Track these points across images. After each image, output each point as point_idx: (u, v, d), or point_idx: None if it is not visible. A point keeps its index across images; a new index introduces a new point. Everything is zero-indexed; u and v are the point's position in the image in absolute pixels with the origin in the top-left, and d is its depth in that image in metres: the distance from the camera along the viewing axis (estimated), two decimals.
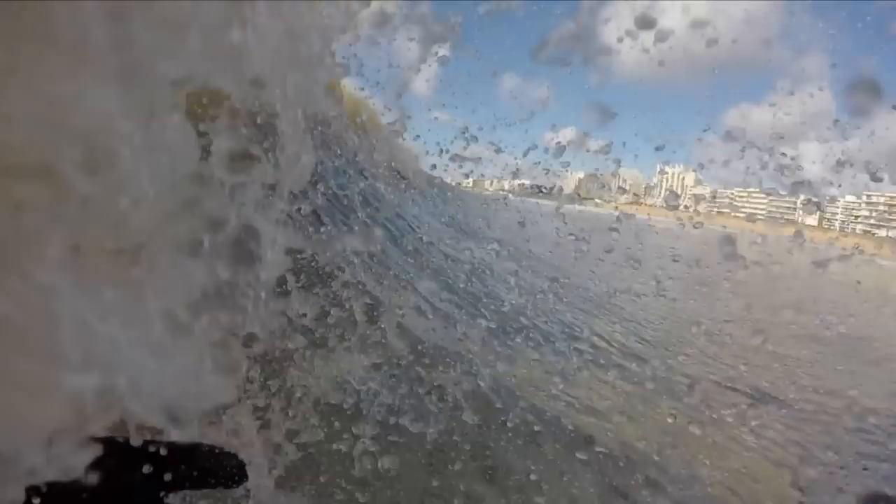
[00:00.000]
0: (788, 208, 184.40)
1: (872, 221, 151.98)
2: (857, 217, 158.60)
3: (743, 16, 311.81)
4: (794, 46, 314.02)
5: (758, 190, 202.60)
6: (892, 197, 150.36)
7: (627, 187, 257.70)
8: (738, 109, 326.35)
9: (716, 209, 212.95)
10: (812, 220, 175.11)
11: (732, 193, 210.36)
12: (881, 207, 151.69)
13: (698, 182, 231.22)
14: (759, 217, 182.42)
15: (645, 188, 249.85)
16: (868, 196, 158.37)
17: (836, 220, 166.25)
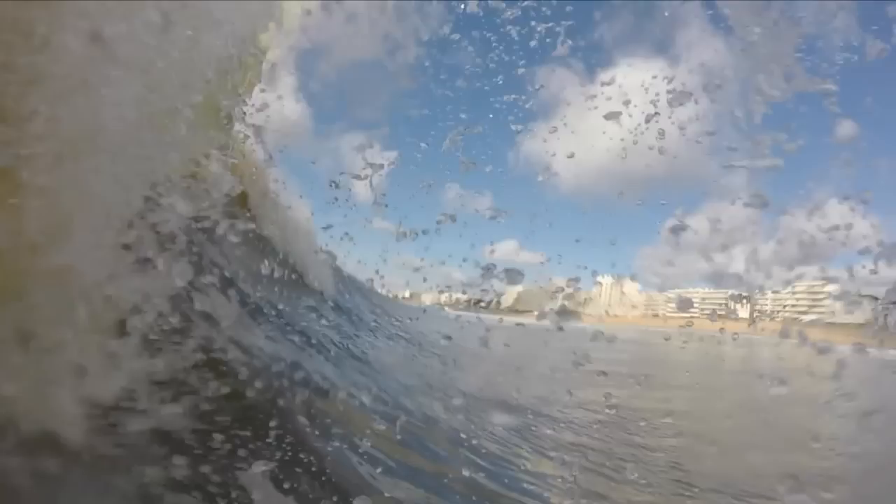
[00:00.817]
0: (720, 304, 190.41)
1: (799, 308, 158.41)
2: (784, 306, 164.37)
3: (676, 134, 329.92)
4: (720, 161, 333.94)
5: (690, 290, 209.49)
6: (811, 286, 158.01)
7: (567, 300, 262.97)
8: (672, 220, 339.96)
9: (651, 312, 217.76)
10: (744, 313, 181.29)
11: (667, 297, 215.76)
12: (802, 296, 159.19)
13: (634, 289, 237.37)
14: (693, 315, 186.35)
15: (584, 300, 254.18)
16: (792, 286, 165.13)
17: (768, 308, 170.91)
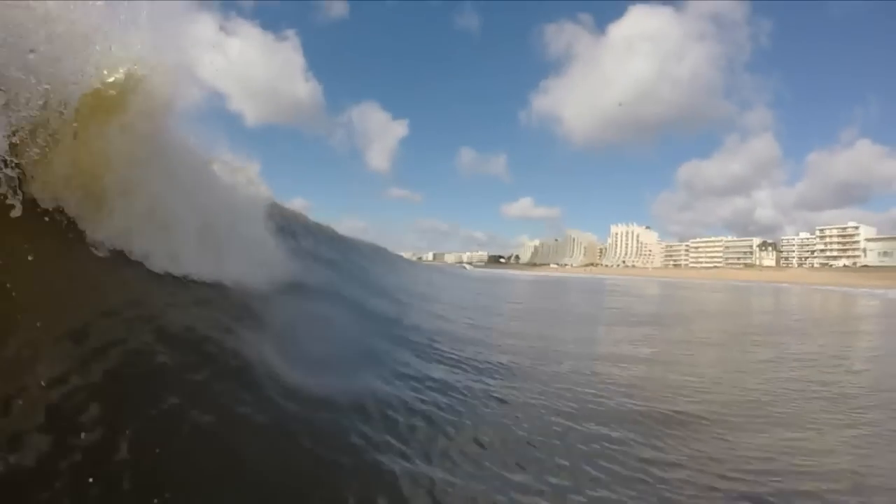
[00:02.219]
0: (745, 252, 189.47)
1: (829, 254, 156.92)
2: (812, 252, 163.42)
3: (688, 76, 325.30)
4: (738, 101, 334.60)
5: (713, 239, 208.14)
6: (843, 228, 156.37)
7: (583, 251, 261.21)
8: (689, 165, 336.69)
9: (672, 263, 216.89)
10: (770, 261, 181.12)
11: (688, 246, 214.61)
12: (835, 240, 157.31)
13: (652, 238, 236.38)
14: (717, 265, 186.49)
15: (600, 250, 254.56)
16: (821, 230, 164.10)
17: (794, 256, 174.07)
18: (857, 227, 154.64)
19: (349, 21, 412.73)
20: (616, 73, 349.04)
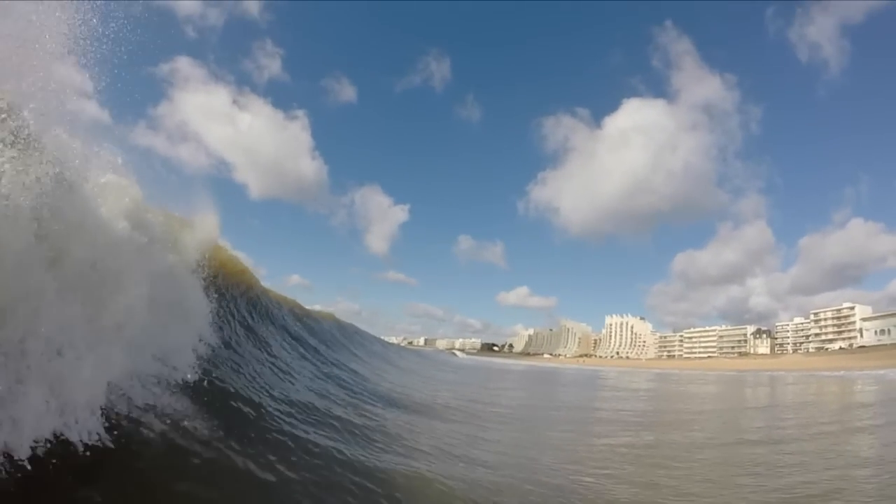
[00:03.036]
0: (739, 341, 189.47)
1: (824, 337, 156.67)
2: (807, 336, 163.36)
3: (681, 168, 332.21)
4: (731, 189, 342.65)
5: (707, 329, 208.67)
6: (837, 310, 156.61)
7: (577, 341, 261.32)
8: (683, 256, 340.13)
9: (665, 354, 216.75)
10: (764, 349, 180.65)
11: (682, 336, 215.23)
12: (829, 322, 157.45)
13: (647, 329, 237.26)
14: (712, 354, 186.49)
15: (595, 341, 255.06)
16: (815, 314, 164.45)
17: (788, 343, 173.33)
18: (852, 308, 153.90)
19: (357, 106, 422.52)
20: (612, 164, 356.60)
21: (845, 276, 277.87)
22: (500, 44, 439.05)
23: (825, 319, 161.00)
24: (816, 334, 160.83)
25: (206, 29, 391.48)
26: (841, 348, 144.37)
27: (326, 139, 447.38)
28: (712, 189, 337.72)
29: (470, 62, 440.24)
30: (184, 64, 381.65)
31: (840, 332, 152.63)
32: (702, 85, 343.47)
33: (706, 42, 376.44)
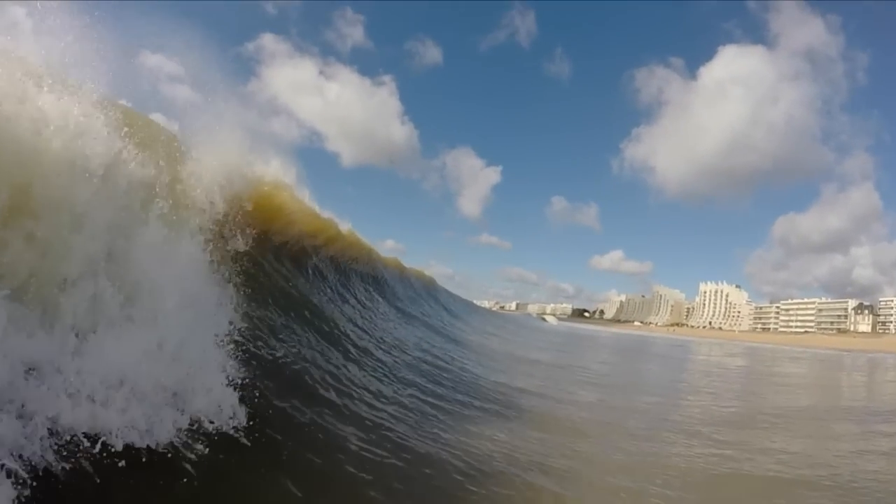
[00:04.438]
0: (839, 316, 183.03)
1: None
2: None
3: (782, 122, 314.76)
4: (836, 147, 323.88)
5: (805, 301, 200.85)
6: None
7: (669, 309, 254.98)
8: (784, 219, 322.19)
9: (760, 326, 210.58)
10: (865, 326, 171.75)
11: (778, 308, 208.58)
12: None
13: (742, 299, 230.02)
14: (808, 329, 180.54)
15: (687, 309, 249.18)
16: None
17: (892, 321, 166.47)
18: None
19: (443, 67, 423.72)
20: (708, 119, 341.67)
21: None
22: None
23: None
24: None
25: (286, 5, 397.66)
26: None
27: (415, 103, 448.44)
28: (816, 146, 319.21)
29: (555, 15, 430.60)
30: (268, 41, 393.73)
31: None
32: (803, 29, 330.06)
33: None
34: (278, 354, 7.61)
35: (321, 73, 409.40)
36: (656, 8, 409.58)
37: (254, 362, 6.59)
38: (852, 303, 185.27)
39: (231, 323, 6.18)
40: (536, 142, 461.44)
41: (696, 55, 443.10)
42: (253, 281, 8.81)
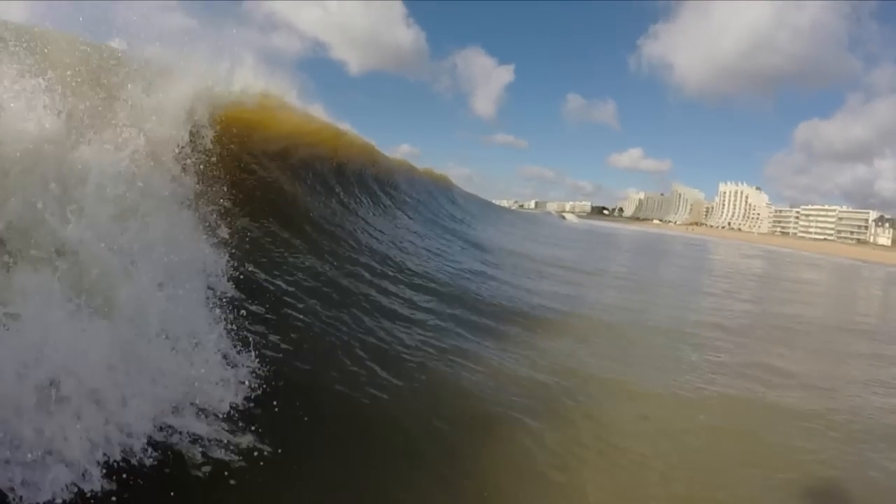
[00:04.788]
0: (859, 227, 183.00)
1: None
2: None
3: (808, 26, 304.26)
4: (864, 56, 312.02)
5: (826, 208, 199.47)
6: None
7: (689, 208, 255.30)
8: (807, 125, 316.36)
9: (779, 230, 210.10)
10: (885, 239, 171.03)
11: (798, 213, 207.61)
12: None
13: (762, 201, 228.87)
14: (828, 237, 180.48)
15: (706, 209, 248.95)
16: None
17: None
18: None
19: None
20: (730, 18, 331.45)
21: None
22: None
23: None
24: None
25: None
26: None
27: (420, 4, 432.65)
28: (843, 53, 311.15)
29: None
30: None
31: None
32: None
33: None
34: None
35: None
36: None
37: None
38: (873, 214, 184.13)
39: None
40: (550, 39, 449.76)
41: None
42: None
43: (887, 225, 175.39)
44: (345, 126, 17.27)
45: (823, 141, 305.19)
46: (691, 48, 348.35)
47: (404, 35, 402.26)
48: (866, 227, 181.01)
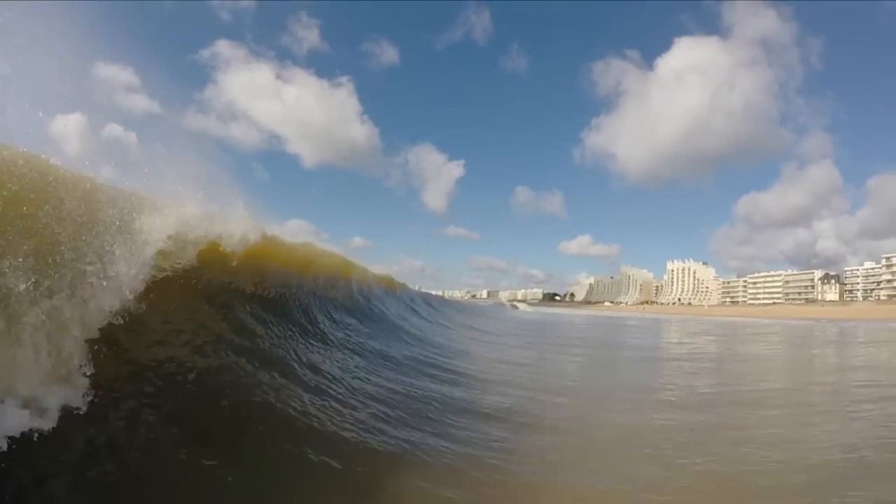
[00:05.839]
0: (806, 287, 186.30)
1: None
2: (878, 283, 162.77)
3: (741, 107, 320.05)
4: (794, 128, 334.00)
5: (772, 273, 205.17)
6: None
7: (638, 288, 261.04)
8: (747, 198, 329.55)
9: (728, 300, 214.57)
10: (833, 295, 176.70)
11: (745, 281, 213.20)
12: None
13: (709, 275, 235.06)
14: (777, 301, 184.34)
15: (656, 288, 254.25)
16: (888, 258, 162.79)
17: (858, 289, 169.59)
18: None
19: (400, 67, 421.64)
20: (667, 107, 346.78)
21: None
22: None
23: None
24: (889, 280, 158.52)
25: (240, 10, 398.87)
26: None
27: (374, 102, 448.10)
28: (775, 128, 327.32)
29: (510, 12, 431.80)
30: (223, 47, 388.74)
31: None
32: (756, 18, 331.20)
33: None
34: None
35: (278, 77, 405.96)
36: (610, 5, 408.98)
37: None
38: (818, 273, 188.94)
39: None
40: (497, 135, 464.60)
41: (652, 47, 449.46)
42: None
43: (833, 281, 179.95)
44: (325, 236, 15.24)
45: (763, 211, 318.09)
46: (632, 137, 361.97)
47: (358, 131, 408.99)
48: (813, 287, 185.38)
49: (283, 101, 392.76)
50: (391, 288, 30.22)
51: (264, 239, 10.87)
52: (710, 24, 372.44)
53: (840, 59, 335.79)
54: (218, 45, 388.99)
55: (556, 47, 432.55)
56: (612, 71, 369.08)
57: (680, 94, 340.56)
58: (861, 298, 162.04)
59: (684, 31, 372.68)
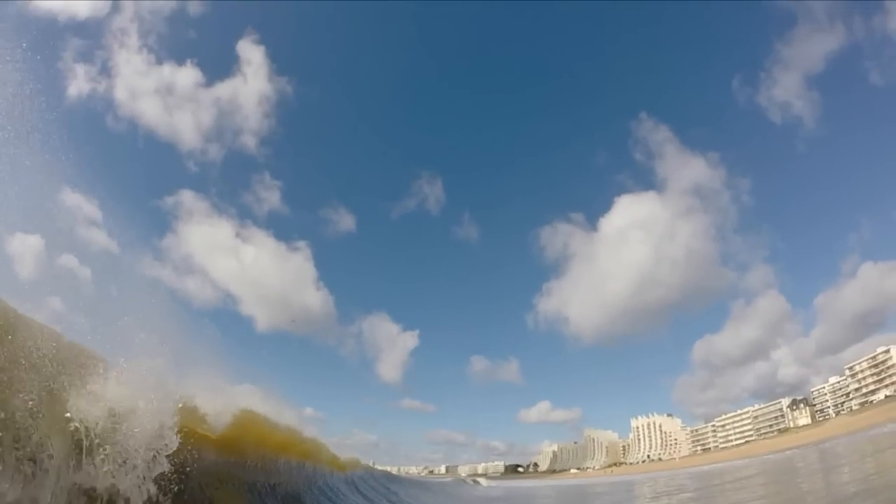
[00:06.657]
0: (777, 417, 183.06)
1: (865, 390, 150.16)
2: (847, 394, 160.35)
3: (683, 255, 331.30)
4: (735, 266, 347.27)
5: (739, 412, 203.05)
6: (872, 357, 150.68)
7: (605, 451, 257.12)
8: (702, 343, 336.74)
9: (699, 448, 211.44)
10: (805, 419, 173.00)
11: (714, 426, 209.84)
12: (867, 373, 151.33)
13: (676, 426, 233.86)
14: (749, 438, 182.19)
15: (623, 447, 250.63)
16: (850, 368, 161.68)
17: (829, 406, 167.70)
18: (887, 351, 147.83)
19: (356, 234, 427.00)
20: (614, 264, 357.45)
21: (868, 323, 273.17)
22: (488, 161, 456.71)
23: (862, 371, 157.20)
24: (857, 389, 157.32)
25: (207, 163, 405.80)
26: (887, 396, 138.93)
27: (330, 269, 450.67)
28: (718, 269, 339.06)
29: (461, 181, 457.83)
30: (187, 197, 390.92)
31: (881, 380, 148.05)
32: (687, 168, 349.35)
33: (682, 125, 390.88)
34: None
35: (237, 234, 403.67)
36: (553, 169, 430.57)
37: None
38: (786, 401, 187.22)
39: None
40: (451, 304, 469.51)
41: (594, 208, 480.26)
42: None
43: (802, 405, 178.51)
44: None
45: (719, 352, 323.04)
46: (583, 298, 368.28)
47: (314, 297, 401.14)
48: (783, 416, 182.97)
49: (241, 261, 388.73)
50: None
51: None
52: (646, 179, 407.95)
53: (768, 192, 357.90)
54: (182, 194, 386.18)
55: (505, 215, 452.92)
56: (559, 235, 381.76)
57: (625, 251, 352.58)
58: (834, 415, 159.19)
59: (623, 189, 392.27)
